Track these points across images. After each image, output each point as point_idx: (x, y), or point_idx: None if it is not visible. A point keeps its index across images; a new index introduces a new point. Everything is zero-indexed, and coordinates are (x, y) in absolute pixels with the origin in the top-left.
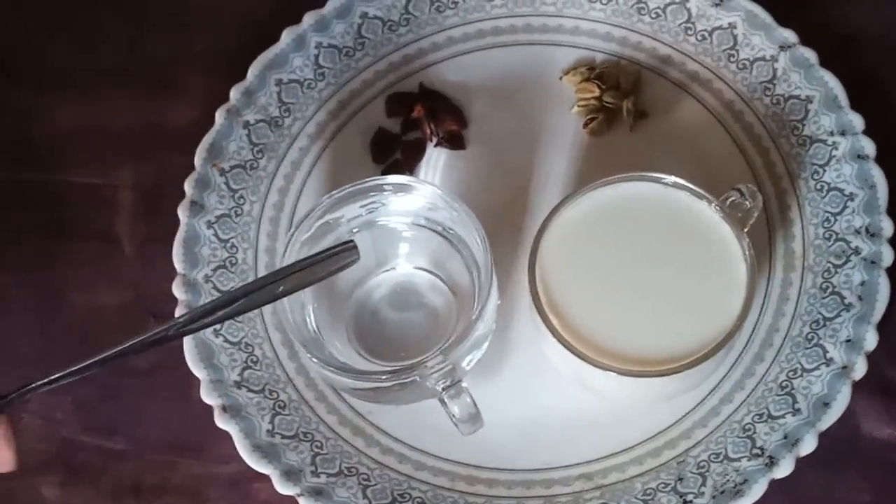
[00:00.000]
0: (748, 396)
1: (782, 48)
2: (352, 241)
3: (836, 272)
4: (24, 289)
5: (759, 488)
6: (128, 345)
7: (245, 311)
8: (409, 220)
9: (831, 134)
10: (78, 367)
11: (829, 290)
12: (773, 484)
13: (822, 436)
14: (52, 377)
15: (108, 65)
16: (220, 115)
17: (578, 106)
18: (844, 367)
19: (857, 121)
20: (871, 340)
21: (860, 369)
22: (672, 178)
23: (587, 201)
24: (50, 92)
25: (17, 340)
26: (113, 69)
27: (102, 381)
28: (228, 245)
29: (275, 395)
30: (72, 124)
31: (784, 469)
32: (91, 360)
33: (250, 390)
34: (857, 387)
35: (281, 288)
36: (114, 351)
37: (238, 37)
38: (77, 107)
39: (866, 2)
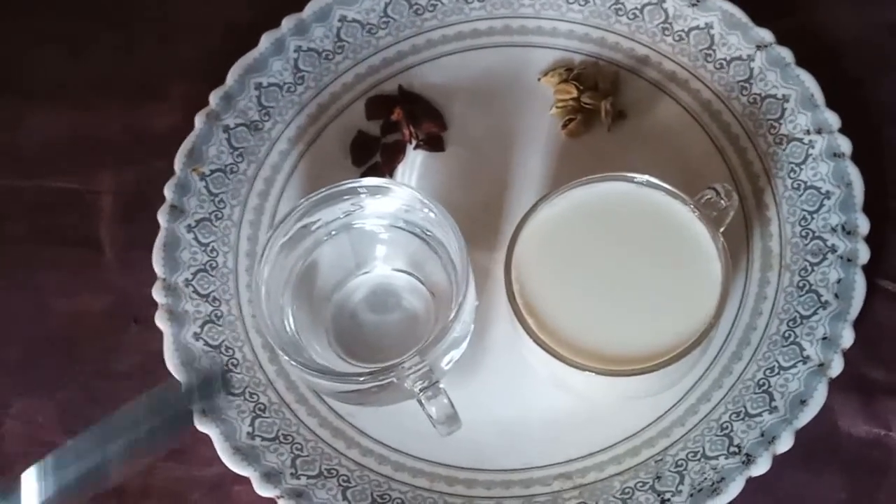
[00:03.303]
0: (726, 395)
1: (759, 47)
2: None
3: (813, 270)
4: (7, 294)
5: (735, 486)
6: None
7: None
8: (387, 222)
9: (808, 132)
10: None
11: (806, 288)
12: (751, 482)
13: (800, 433)
14: None
15: (92, 72)
16: (199, 120)
17: (557, 107)
18: (821, 365)
19: (834, 119)
20: (847, 338)
21: (837, 367)
22: (645, 178)
23: (562, 202)
24: (33, 99)
25: (1, 346)
26: (97, 76)
27: (84, 384)
28: (209, 249)
29: (255, 398)
30: (55, 130)
31: (761, 467)
32: None
33: (230, 393)
34: (834, 384)
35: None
36: None
37: (222, 43)
38: (61, 113)
39: (845, 6)
